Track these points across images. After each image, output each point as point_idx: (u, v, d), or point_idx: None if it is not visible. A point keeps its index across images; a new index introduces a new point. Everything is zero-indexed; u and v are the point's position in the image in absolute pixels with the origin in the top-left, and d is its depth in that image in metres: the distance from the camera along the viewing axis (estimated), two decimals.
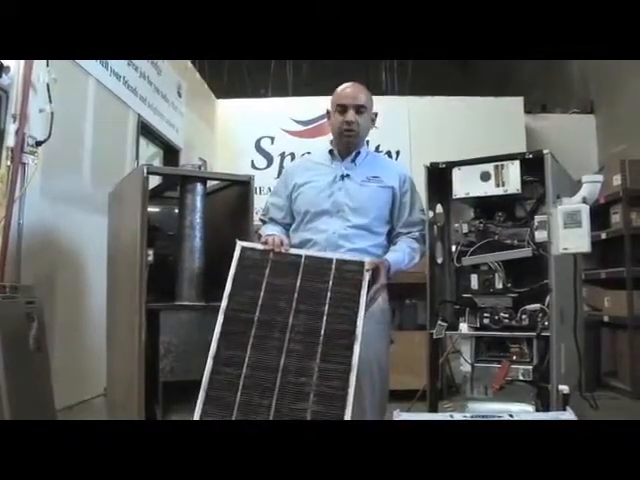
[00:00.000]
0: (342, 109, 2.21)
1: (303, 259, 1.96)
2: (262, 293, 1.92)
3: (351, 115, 2.19)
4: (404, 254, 2.20)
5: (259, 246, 2.01)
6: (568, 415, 1.70)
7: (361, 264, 1.97)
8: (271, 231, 2.22)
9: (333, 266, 1.94)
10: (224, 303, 1.91)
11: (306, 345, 1.84)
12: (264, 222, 2.38)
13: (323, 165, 2.31)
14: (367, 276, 1.94)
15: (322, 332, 1.84)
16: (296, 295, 1.91)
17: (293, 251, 2.01)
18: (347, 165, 2.27)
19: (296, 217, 2.29)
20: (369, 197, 2.22)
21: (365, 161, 2.29)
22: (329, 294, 1.89)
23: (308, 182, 2.28)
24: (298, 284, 1.92)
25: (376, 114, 2.31)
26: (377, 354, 2.17)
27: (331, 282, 1.91)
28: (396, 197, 2.27)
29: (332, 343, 1.83)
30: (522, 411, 2.54)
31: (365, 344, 1.90)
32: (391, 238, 2.29)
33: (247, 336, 1.87)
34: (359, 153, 2.28)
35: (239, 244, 2.01)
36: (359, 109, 2.20)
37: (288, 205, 2.31)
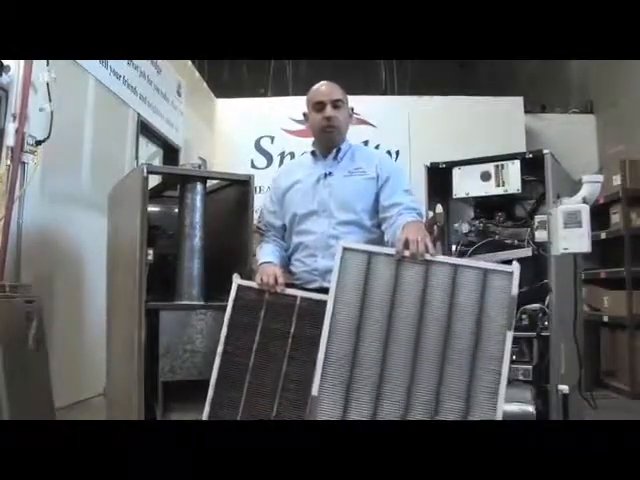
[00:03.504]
0: (320, 106, 2.20)
1: (298, 301, 1.95)
2: (257, 337, 1.95)
3: (329, 111, 2.19)
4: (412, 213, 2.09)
5: (255, 285, 2.01)
6: (512, 266, 1.71)
7: None
8: (267, 257, 2.21)
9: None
10: (220, 347, 1.96)
11: (298, 394, 1.85)
12: (260, 231, 2.38)
13: (306, 167, 2.31)
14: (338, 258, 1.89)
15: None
16: (290, 341, 1.91)
17: (289, 291, 1.99)
18: (329, 163, 2.26)
19: (287, 222, 2.31)
20: (353, 190, 2.20)
21: (346, 155, 2.27)
22: None
23: (293, 185, 2.29)
24: (292, 330, 1.93)
25: (352, 109, 2.30)
26: None
27: None
28: (379, 185, 2.21)
29: None
30: (521, 411, 2.55)
31: None
32: (384, 227, 2.17)
33: (242, 382, 1.92)
34: (340, 149, 2.26)
35: (235, 282, 2.02)
36: (336, 104, 2.20)
37: (280, 210, 2.33)
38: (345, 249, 1.84)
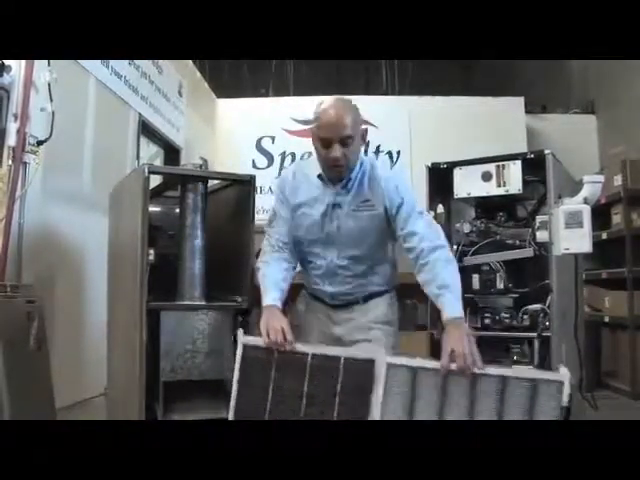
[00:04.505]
0: (326, 142, 1.93)
1: (310, 358, 1.84)
2: (269, 397, 1.86)
3: (337, 151, 1.92)
4: (453, 279, 1.89)
5: (262, 343, 1.88)
6: (561, 373, 1.61)
7: (371, 362, 1.77)
8: (272, 295, 2.01)
9: (341, 366, 1.79)
10: (232, 401, 1.89)
11: None
12: (269, 239, 2.16)
13: (314, 186, 2.08)
14: (382, 374, 1.75)
15: None
16: (304, 401, 1.82)
17: (299, 348, 1.87)
18: (338, 192, 2.04)
19: (294, 238, 2.15)
20: (361, 228, 2.04)
21: (356, 184, 2.04)
22: (337, 400, 1.78)
23: (301, 206, 2.10)
24: (305, 389, 1.83)
25: (366, 130, 2.05)
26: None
27: (339, 387, 1.78)
28: (391, 215, 2.03)
29: None
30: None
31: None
32: (411, 257, 2.00)
33: None
34: (350, 178, 2.03)
35: (241, 341, 1.91)
36: (345, 141, 1.92)
37: (291, 218, 2.14)
38: (390, 365, 1.74)
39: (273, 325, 1.88)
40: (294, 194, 2.11)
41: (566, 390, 1.57)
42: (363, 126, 2.04)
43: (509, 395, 1.62)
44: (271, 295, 2.00)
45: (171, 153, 5.55)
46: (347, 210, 2.04)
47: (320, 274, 2.13)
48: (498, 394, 1.63)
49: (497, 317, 2.76)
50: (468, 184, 2.84)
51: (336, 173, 2.00)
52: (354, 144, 1.95)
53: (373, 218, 2.04)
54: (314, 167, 2.07)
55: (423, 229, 1.97)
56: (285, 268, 2.09)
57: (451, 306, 1.82)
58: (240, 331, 1.93)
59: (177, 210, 2.65)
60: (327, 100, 1.99)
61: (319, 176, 2.06)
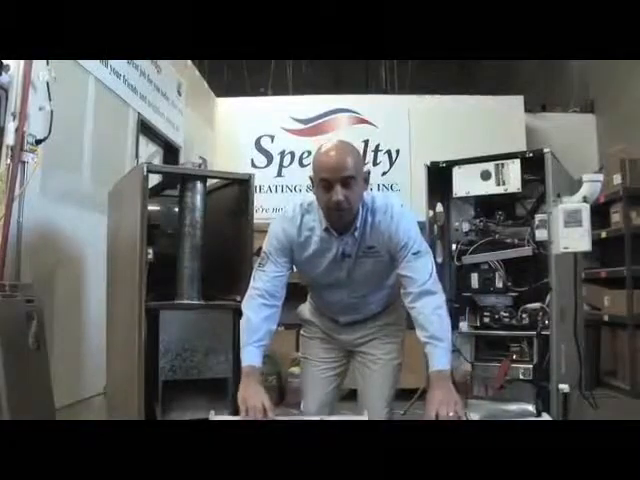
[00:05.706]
0: (326, 184, 1.87)
1: None
2: None
3: (339, 193, 1.85)
4: (440, 329, 1.90)
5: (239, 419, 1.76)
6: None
7: None
8: (252, 352, 1.93)
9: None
10: None
11: None
12: (261, 266, 2.05)
13: (321, 240, 2.02)
14: None
15: None
16: None
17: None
18: (346, 240, 2.00)
19: (304, 279, 2.19)
20: (369, 272, 2.05)
21: (360, 232, 1.99)
22: None
23: (310, 259, 2.05)
24: None
25: (369, 173, 2.00)
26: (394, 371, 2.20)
27: None
28: (395, 257, 2.00)
29: None
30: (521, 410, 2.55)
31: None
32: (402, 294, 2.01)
33: None
34: (356, 227, 1.97)
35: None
36: (346, 181, 1.86)
37: (289, 265, 2.07)
38: None
39: (253, 403, 1.79)
40: (303, 249, 2.04)
41: None
42: (365, 168, 2.00)
43: None
44: (250, 354, 1.93)
45: (170, 152, 5.54)
46: (354, 258, 2.02)
47: (332, 308, 2.19)
48: None
49: (496, 316, 2.76)
50: (467, 183, 2.84)
51: (339, 216, 1.94)
52: (356, 186, 1.89)
53: (380, 263, 2.04)
54: (319, 220, 2.01)
55: (415, 272, 1.95)
56: (268, 316, 1.99)
57: (437, 358, 1.85)
58: (212, 412, 1.84)
59: (176, 209, 2.66)
60: (326, 143, 1.95)
61: (325, 230, 1.99)
